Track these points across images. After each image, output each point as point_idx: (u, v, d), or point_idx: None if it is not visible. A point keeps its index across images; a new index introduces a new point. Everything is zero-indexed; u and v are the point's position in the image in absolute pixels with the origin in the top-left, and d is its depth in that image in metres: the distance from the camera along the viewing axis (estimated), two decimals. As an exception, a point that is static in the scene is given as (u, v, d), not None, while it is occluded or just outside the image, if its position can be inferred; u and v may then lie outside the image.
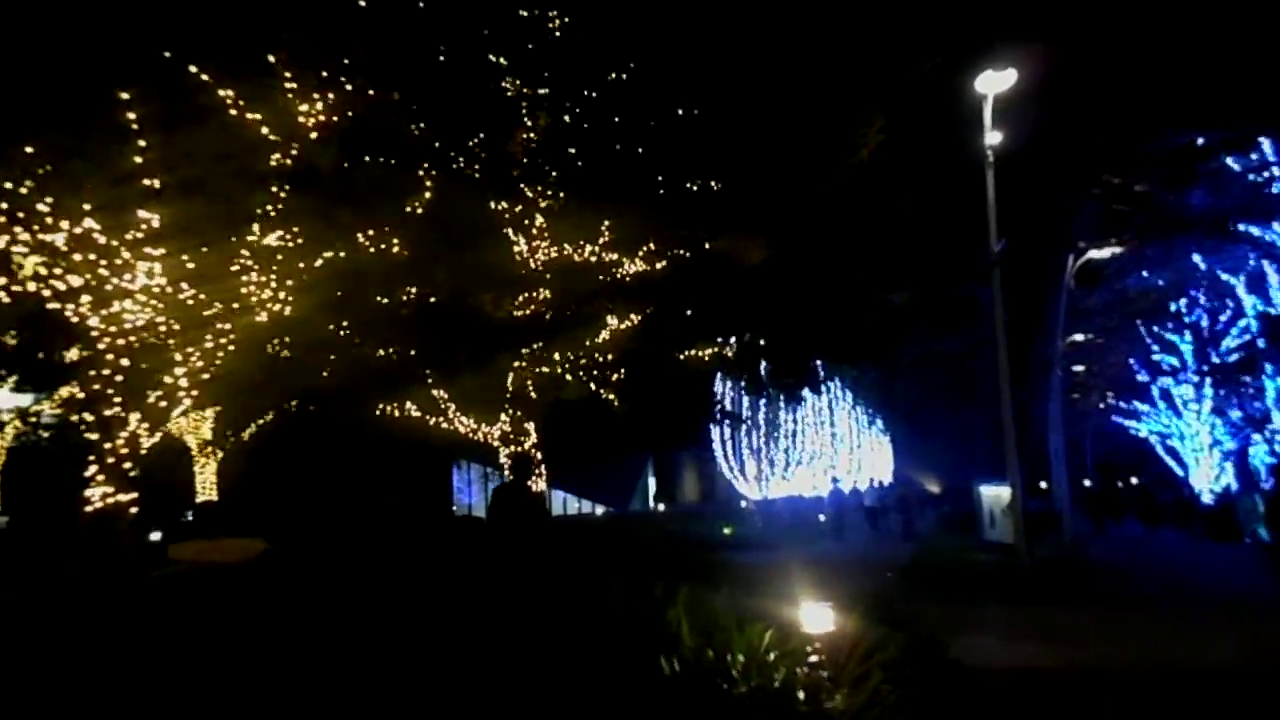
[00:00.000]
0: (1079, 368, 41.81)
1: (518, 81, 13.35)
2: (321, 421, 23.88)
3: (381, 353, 15.30)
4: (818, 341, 19.43)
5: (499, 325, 15.25)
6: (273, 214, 9.49)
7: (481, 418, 18.33)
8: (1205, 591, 17.17)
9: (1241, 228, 25.48)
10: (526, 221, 15.44)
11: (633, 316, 16.28)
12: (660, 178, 14.35)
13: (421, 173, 11.00)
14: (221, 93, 8.91)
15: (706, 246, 15.59)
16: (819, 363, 28.07)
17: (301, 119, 9.41)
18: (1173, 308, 35.23)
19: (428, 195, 11.32)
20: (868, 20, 14.79)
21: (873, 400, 50.89)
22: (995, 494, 23.60)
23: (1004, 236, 14.85)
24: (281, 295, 10.20)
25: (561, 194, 15.25)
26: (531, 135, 13.81)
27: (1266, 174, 24.46)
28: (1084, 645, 11.23)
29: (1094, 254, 24.84)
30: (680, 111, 14.60)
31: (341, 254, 10.36)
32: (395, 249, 11.21)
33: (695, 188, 14.36)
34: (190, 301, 9.78)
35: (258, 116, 9.23)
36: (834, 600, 6.75)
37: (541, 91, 14.21)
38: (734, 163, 14.34)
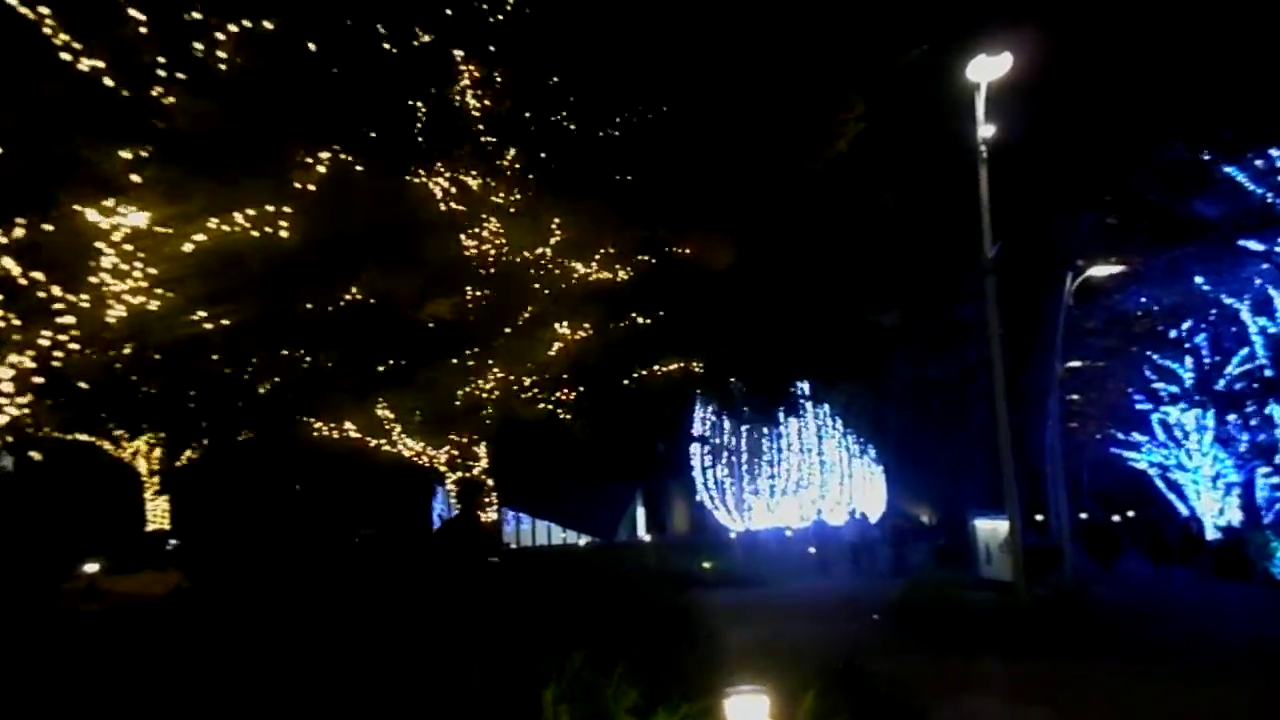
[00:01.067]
0: (1075, 396, 40.28)
1: (461, 53, 11.86)
2: (271, 445, 22.17)
3: (304, 361, 13.64)
4: (794, 358, 17.80)
5: (437, 331, 13.62)
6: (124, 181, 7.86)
7: (428, 439, 16.65)
8: (1224, 640, 15.44)
9: (1253, 245, 24.04)
10: (475, 218, 13.86)
11: (586, 326, 14.67)
12: (620, 169, 12.82)
13: (313, 141, 9.37)
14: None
15: (669, 249, 14.01)
16: (801, 384, 26.45)
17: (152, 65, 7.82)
18: (1173, 334, 33.75)
19: (322, 169, 9.69)
20: (849, 2, 13.35)
21: (864, 428, 49.19)
22: (991, 527, 21.94)
23: (999, 242, 13.29)
24: (141, 284, 8.56)
25: (516, 191, 13.70)
26: (477, 109, 12.28)
27: (1277, 184, 23.06)
28: (1102, 713, 9.56)
29: (1094, 272, 23.31)
30: (643, 99, 13.09)
31: (214, 234, 8.72)
32: (283, 233, 9.56)
33: (657, 181, 12.80)
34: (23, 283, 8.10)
35: (99, 63, 7.64)
36: (798, 656, 5.13)
37: (494, 73, 12.74)
38: (699, 153, 12.81)
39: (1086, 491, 51.28)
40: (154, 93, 7.86)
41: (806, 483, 35.41)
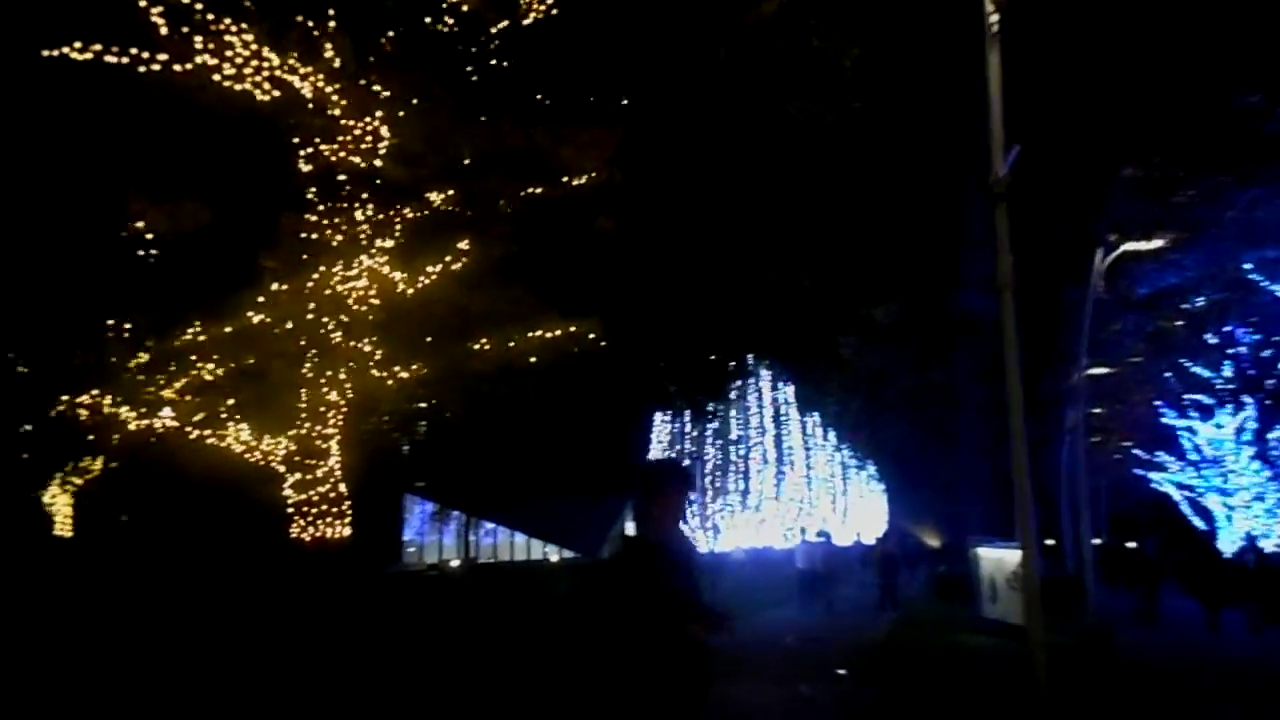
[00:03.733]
0: (1097, 409, 36.00)
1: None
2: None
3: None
4: (727, 329, 13.79)
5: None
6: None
7: (263, 426, 12.69)
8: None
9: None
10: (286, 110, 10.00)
11: (430, 270, 10.71)
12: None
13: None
14: None
15: (524, 142, 10.09)
16: (759, 371, 22.36)
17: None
18: (1212, 339, 29.60)
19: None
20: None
21: (861, 441, 45.03)
22: (997, 558, 17.99)
23: (1015, 147, 9.25)
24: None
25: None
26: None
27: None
28: None
29: (1129, 247, 19.24)
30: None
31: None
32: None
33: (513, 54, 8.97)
34: None
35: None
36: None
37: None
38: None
39: (1104, 516, 46.94)
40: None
41: (798, 500, 31.17)
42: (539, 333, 11.37)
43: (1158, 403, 34.09)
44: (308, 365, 12.18)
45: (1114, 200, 21.36)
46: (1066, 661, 13.14)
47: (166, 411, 13.31)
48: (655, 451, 25.12)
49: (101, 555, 14.85)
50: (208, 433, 13.38)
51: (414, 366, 11.80)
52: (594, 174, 9.94)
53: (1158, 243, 19.05)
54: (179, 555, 13.84)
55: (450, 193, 10.56)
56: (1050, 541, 34.50)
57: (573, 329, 11.44)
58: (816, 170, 13.10)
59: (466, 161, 10.45)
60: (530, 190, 10.64)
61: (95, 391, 12.64)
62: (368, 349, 11.36)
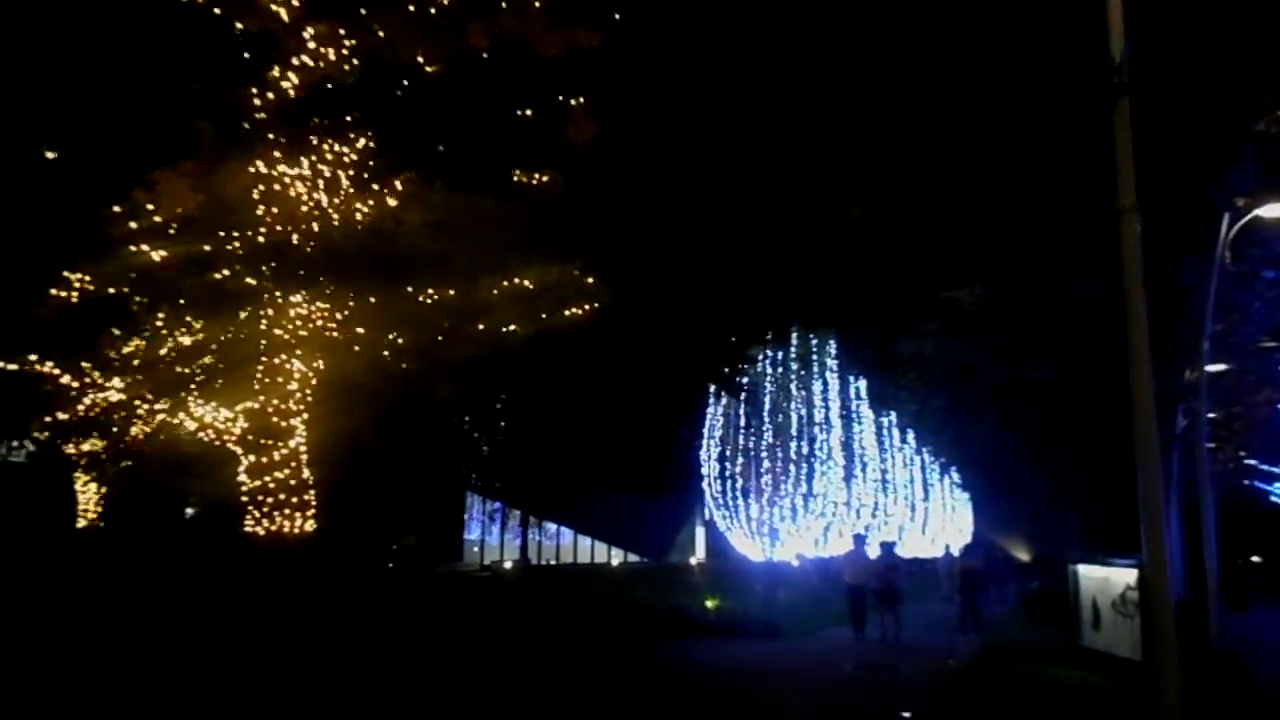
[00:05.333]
0: (1211, 414, 32.12)
1: None
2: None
3: None
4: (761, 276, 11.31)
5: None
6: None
7: (218, 397, 10.84)
8: None
9: None
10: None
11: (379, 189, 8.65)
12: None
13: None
14: None
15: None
16: (826, 342, 19.63)
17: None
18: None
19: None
20: None
21: (945, 444, 41.62)
22: (1102, 577, 15.20)
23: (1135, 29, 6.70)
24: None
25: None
26: None
27: None
28: None
29: (1263, 212, 16.18)
30: None
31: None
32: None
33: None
34: None
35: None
36: None
37: None
38: None
39: (1216, 533, 42.47)
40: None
41: (859, 506, 28.25)
42: (521, 282, 9.22)
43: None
44: (262, 321, 10.25)
45: (1242, 160, 18.20)
46: (1191, 700, 10.45)
47: (116, 382, 11.59)
48: (707, 447, 22.73)
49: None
50: (161, 406, 11.61)
51: (391, 337, 9.83)
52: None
53: (1296, 208, 15.86)
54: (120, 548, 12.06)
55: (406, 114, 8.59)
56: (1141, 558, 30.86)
57: (567, 276, 9.25)
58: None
59: (431, 69, 8.43)
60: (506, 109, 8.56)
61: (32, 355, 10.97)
62: (324, 308, 9.38)
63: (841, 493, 25.52)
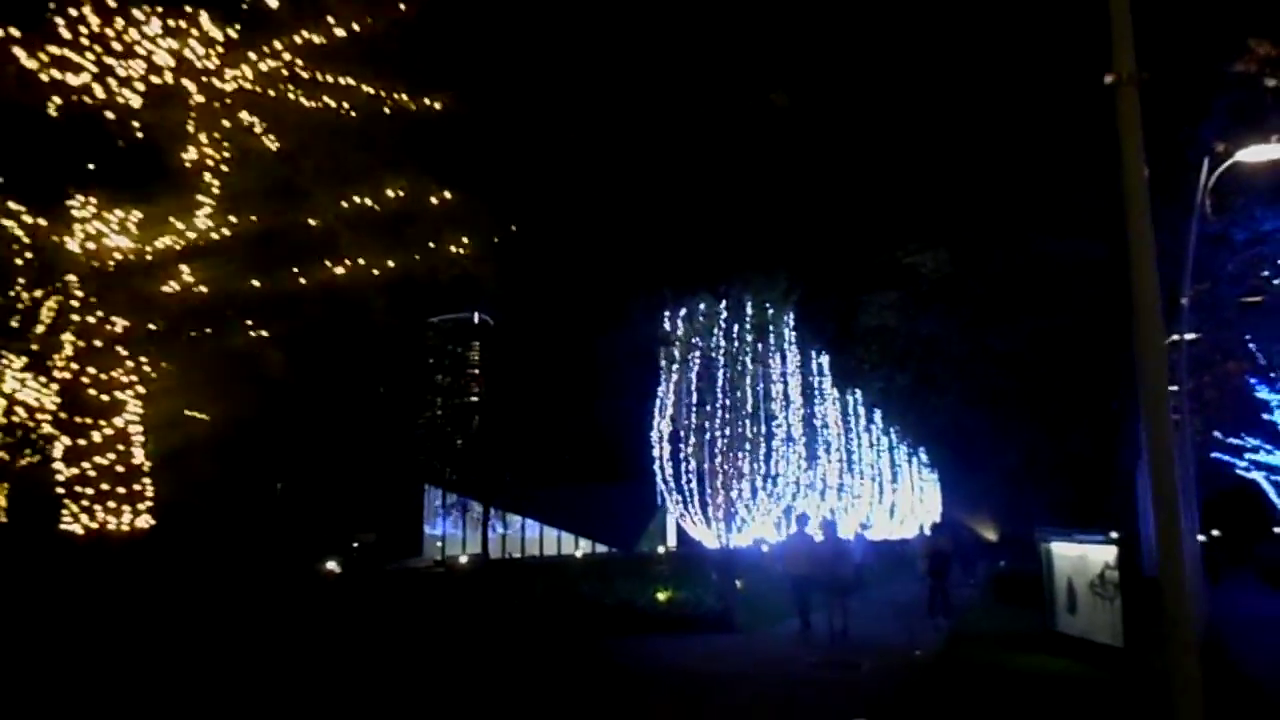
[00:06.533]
0: (1173, 387, 31.12)
1: None
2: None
3: None
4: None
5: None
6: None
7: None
8: None
9: None
10: None
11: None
12: None
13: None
14: None
15: None
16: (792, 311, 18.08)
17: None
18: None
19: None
20: None
21: (911, 423, 40.50)
22: (1078, 555, 13.89)
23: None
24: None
25: None
26: None
27: None
28: None
29: (1244, 156, 14.89)
30: None
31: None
32: None
33: None
34: None
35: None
36: None
37: None
38: None
39: (1196, 506, 41.80)
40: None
41: (822, 488, 26.94)
42: (365, 201, 7.64)
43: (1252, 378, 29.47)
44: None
45: (1221, 100, 16.98)
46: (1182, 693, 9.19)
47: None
48: (656, 427, 21.29)
49: None
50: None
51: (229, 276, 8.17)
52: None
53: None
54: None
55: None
56: (1114, 534, 30.02)
57: (436, 200, 7.68)
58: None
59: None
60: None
61: None
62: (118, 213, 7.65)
63: (806, 475, 24.22)
